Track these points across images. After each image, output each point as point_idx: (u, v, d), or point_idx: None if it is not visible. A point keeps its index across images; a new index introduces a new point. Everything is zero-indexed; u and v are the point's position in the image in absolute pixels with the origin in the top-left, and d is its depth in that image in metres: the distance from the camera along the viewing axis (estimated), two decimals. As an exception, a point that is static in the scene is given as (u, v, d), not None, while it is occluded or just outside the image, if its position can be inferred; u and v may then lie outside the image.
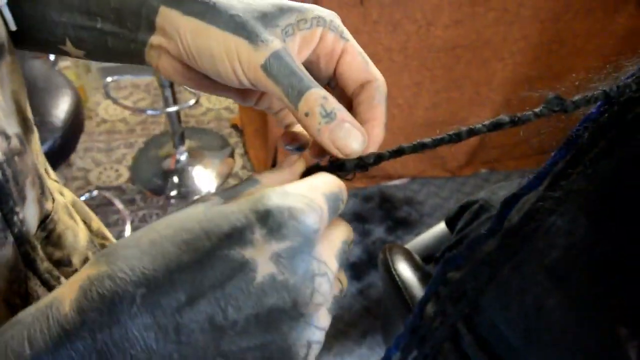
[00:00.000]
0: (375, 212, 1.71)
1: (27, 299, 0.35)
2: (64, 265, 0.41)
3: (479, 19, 1.45)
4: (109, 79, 1.72)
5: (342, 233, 0.27)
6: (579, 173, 0.45)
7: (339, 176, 0.29)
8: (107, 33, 0.33)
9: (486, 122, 0.29)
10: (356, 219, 1.69)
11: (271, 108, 0.38)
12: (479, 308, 0.61)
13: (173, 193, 1.76)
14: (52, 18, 0.34)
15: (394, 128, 1.65)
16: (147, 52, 0.33)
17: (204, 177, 1.82)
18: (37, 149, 0.39)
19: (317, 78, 0.34)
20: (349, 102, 0.34)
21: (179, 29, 0.31)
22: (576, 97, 0.28)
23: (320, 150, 0.33)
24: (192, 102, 1.66)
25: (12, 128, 0.33)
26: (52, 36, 0.35)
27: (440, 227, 0.95)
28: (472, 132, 0.29)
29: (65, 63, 1.80)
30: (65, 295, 0.21)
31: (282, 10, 0.31)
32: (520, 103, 1.67)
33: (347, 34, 0.33)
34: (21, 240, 0.34)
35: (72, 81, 1.24)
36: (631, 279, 0.40)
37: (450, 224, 0.90)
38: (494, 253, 0.56)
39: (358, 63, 0.33)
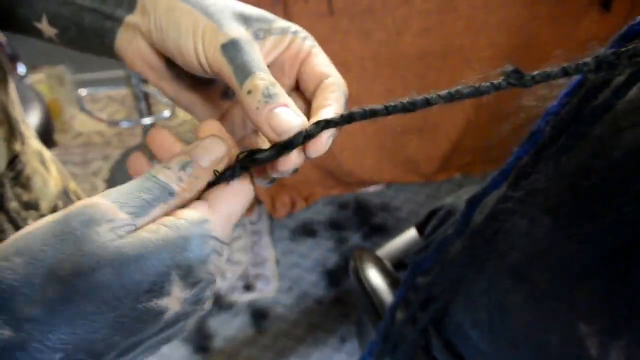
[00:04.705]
0: (351, 219, 1.72)
1: None
2: (32, 209, 0.42)
3: (448, 27, 1.48)
4: (83, 92, 1.71)
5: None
6: (540, 171, 0.45)
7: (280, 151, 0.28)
8: (86, 9, 0.34)
9: (443, 93, 0.29)
10: (332, 226, 1.70)
11: (233, 132, 0.37)
12: (447, 311, 0.61)
13: (149, 205, 1.75)
14: None
15: (369, 133, 1.66)
16: (119, 34, 0.34)
17: (181, 188, 1.81)
18: (12, 97, 0.41)
19: (281, 83, 0.35)
20: (309, 105, 0.35)
21: (156, 3, 0.32)
22: (535, 72, 0.28)
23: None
24: (167, 113, 1.66)
25: None
26: (30, 11, 0.36)
27: (411, 232, 0.96)
28: (428, 102, 0.29)
29: (38, 76, 1.78)
30: None
31: (259, 17, 0.33)
32: (491, 105, 1.70)
33: (314, 43, 0.34)
34: None
35: (41, 94, 1.23)
36: (591, 277, 0.40)
37: (420, 229, 0.91)
38: (460, 255, 0.57)
39: (318, 64, 0.34)
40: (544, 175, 0.45)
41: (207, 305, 0.26)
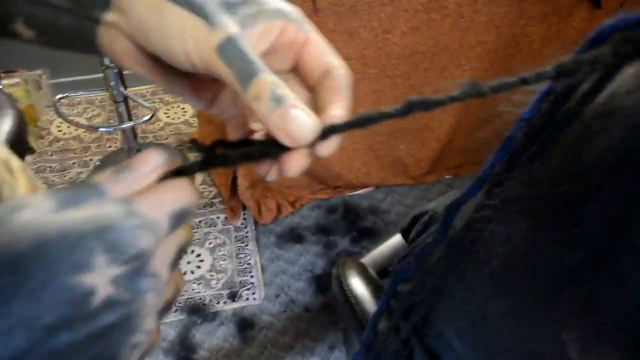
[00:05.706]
0: (340, 223, 1.68)
1: None
2: None
3: (435, 26, 1.45)
4: (60, 96, 1.66)
5: (179, 240, 0.27)
6: (514, 178, 0.45)
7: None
8: (61, 10, 0.32)
9: (398, 107, 0.29)
10: (320, 231, 1.66)
11: (223, 112, 0.36)
12: (428, 320, 0.59)
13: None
14: None
15: (356, 136, 1.63)
16: (100, 33, 0.32)
17: (164, 194, 1.77)
18: None
19: (277, 71, 0.33)
20: (309, 89, 0.34)
21: (134, 3, 0.30)
22: (493, 82, 0.28)
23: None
24: (147, 117, 1.62)
25: None
26: (3, 12, 0.33)
27: (397, 238, 0.93)
28: (386, 115, 0.29)
29: (13, 80, 1.73)
30: None
31: (244, 1, 0.31)
32: (479, 107, 1.67)
33: (308, 27, 0.33)
34: None
35: (15, 100, 1.19)
36: (569, 284, 0.39)
37: (405, 235, 0.88)
38: (439, 264, 0.55)
39: (319, 53, 0.33)
40: (518, 183, 0.44)
41: (151, 298, 0.24)
